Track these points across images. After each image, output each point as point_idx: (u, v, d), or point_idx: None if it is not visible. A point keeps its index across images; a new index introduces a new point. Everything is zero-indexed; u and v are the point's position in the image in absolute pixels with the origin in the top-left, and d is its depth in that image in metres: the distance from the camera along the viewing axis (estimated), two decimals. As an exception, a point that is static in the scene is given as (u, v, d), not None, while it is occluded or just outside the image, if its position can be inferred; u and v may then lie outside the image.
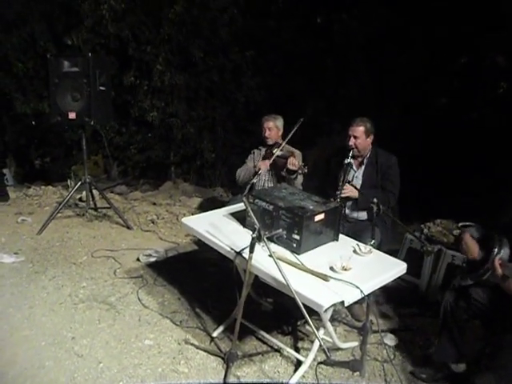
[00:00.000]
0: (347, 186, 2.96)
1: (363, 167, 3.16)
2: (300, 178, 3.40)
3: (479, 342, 2.49)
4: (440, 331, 2.35)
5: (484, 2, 4.71)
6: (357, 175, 3.16)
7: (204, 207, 4.86)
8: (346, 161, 3.00)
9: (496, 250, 2.07)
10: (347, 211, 3.10)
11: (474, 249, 2.22)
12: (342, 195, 2.88)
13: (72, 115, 3.92)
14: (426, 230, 3.53)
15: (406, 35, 5.37)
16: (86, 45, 5.86)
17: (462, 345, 2.29)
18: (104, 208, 4.50)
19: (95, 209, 4.49)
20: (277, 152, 3.30)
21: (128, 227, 4.25)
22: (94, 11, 5.75)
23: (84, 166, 4.28)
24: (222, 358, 2.40)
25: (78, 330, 2.62)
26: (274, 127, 3.57)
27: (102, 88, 3.94)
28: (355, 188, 2.98)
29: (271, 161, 3.37)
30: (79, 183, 4.21)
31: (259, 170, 3.38)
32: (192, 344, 2.55)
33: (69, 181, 5.62)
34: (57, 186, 5.59)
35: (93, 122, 3.94)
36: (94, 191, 4.45)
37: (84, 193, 4.50)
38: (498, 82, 5.25)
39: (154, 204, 5.07)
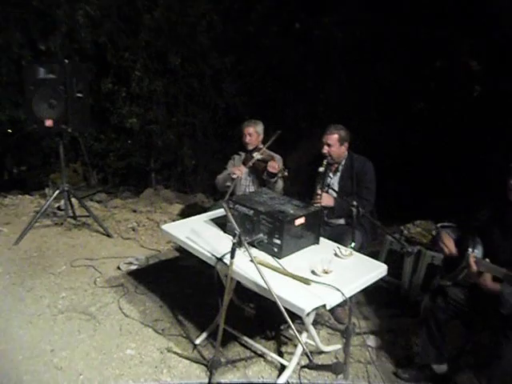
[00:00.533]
0: (324, 195, 2.98)
1: (339, 174, 3.15)
2: (281, 182, 3.42)
3: (459, 341, 2.54)
4: (421, 333, 2.38)
5: (459, 8, 4.83)
6: (333, 182, 3.15)
7: (185, 214, 4.83)
8: (321, 169, 2.98)
9: (470, 249, 2.14)
10: (325, 218, 3.11)
11: (449, 245, 2.29)
12: (317, 204, 2.88)
13: (49, 123, 3.85)
14: (405, 232, 3.58)
15: (384, 40, 5.46)
16: (62, 51, 5.77)
17: (442, 345, 2.33)
18: (83, 216, 4.43)
19: (74, 217, 4.41)
20: (257, 156, 3.31)
21: (108, 235, 4.19)
22: (69, 17, 5.68)
23: (62, 174, 4.21)
24: (206, 366, 2.39)
25: (57, 342, 2.57)
26: (254, 132, 3.58)
27: (79, 95, 3.89)
28: (334, 191, 3.01)
29: (251, 164, 3.38)
30: (57, 191, 4.13)
31: (234, 175, 3.39)
32: (175, 352, 2.52)
33: (47, 189, 5.51)
34: (34, 194, 5.49)
35: (70, 130, 3.88)
36: (73, 199, 4.38)
37: (62, 201, 4.42)
38: (472, 86, 5.38)
39: (135, 211, 5.01)
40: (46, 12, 5.76)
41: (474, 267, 2.07)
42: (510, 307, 1.99)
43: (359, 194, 3.04)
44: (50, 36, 5.77)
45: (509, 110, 4.74)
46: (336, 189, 3.10)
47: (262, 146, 3.54)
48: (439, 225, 3.50)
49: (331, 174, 3.16)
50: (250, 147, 3.60)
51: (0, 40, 5.91)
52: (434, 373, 2.36)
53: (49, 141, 6.14)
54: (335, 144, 3.03)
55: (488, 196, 2.46)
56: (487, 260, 2.08)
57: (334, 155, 3.05)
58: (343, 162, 3.15)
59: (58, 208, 4.69)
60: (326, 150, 3.03)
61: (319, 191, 2.97)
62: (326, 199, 2.99)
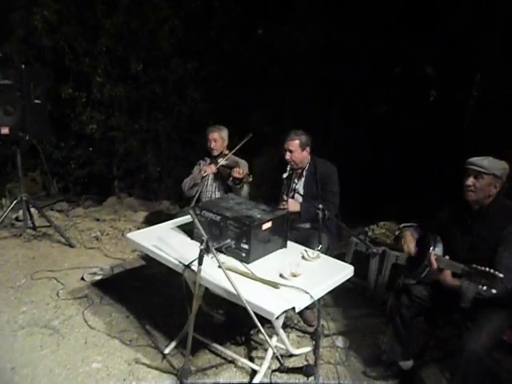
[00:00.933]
0: (290, 200, 3.02)
1: (303, 179, 3.18)
2: (246, 188, 3.42)
3: (423, 336, 2.62)
4: (387, 331, 2.44)
5: (417, 16, 5.01)
6: (297, 187, 3.18)
7: (150, 221, 4.75)
8: (285, 175, 3.03)
9: (431, 248, 2.23)
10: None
11: (409, 243, 2.39)
12: (283, 209, 2.91)
13: (5, 130, 3.71)
14: (370, 233, 3.67)
15: (345, 47, 5.60)
16: (18, 56, 5.57)
17: (408, 342, 2.40)
18: (43, 227, 4.28)
19: (34, 228, 4.25)
20: (222, 162, 3.31)
21: (70, 245, 4.07)
22: (25, 22, 5.49)
23: (20, 184, 4.06)
24: (176, 375, 2.35)
25: (17, 360, 2.46)
26: (219, 138, 3.57)
27: (37, 101, 3.78)
28: (298, 199, 3.05)
29: (217, 167, 3.38)
30: (15, 202, 3.98)
31: (205, 172, 3.37)
32: (143, 363, 2.47)
33: (3, 199, 5.28)
34: (-10, 205, 5.25)
35: (28, 137, 3.76)
36: (32, 209, 4.23)
37: (21, 212, 4.25)
38: (428, 91, 5.59)
39: (98, 220, 4.89)
40: (1, 17, 5.55)
41: (435, 264, 2.16)
42: (469, 301, 2.08)
43: (324, 198, 3.08)
44: (5, 41, 5.56)
45: (463, 113, 4.96)
46: (301, 193, 3.13)
47: (227, 152, 3.53)
48: (402, 225, 3.61)
49: (296, 179, 3.19)
50: (215, 153, 3.59)
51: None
52: (401, 369, 2.43)
53: (5, 149, 5.90)
54: (297, 149, 3.07)
55: (447, 196, 2.56)
56: (447, 257, 2.17)
57: (297, 160, 3.09)
58: (307, 167, 3.18)
59: (16, 219, 4.50)
60: (288, 156, 3.07)
61: (285, 197, 3.01)
62: (292, 205, 3.03)
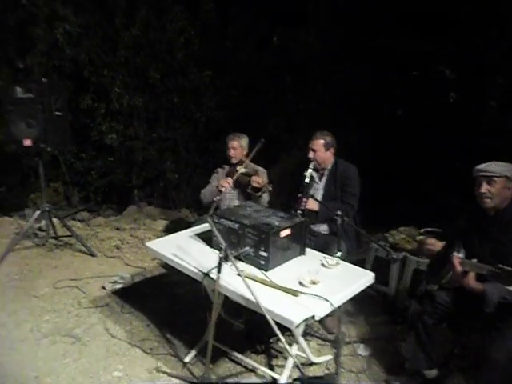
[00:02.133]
0: (310, 199, 3.01)
1: (324, 179, 3.21)
2: (266, 196, 3.41)
3: (447, 344, 2.55)
4: (409, 339, 2.39)
5: (433, 20, 4.96)
6: (318, 187, 3.21)
7: (170, 229, 4.79)
8: (306, 173, 3.06)
9: (455, 252, 2.19)
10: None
11: (435, 243, 2.36)
12: (302, 207, 2.92)
13: (27, 142, 3.80)
14: (390, 239, 3.62)
15: (361, 49, 5.57)
16: (39, 68, 5.72)
17: (431, 350, 2.34)
18: (65, 236, 4.35)
19: (56, 238, 4.33)
20: (240, 170, 3.31)
21: (91, 254, 4.12)
22: (48, 35, 5.65)
23: (42, 194, 4.14)
24: (196, 384, 2.35)
25: (41, 368, 2.49)
26: (238, 146, 3.58)
27: (58, 113, 3.86)
28: (316, 200, 3.03)
29: (235, 178, 3.37)
30: (38, 212, 4.05)
31: (222, 187, 3.37)
32: (164, 372, 2.48)
33: (26, 210, 5.40)
34: (14, 216, 5.37)
35: (49, 149, 3.84)
36: (54, 219, 4.30)
37: (43, 222, 4.34)
38: (447, 93, 5.51)
39: (118, 229, 4.95)
40: (23, 31, 5.72)
41: (459, 267, 2.11)
42: (494, 305, 2.02)
43: (343, 199, 3.09)
44: (27, 55, 5.72)
45: (483, 115, 4.87)
46: (321, 194, 3.17)
47: (245, 160, 3.53)
48: (423, 230, 3.56)
49: (317, 180, 3.22)
50: (234, 161, 3.60)
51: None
52: (425, 378, 2.37)
53: (28, 160, 6.05)
54: (320, 149, 3.12)
55: (466, 200, 2.51)
56: (474, 260, 2.11)
57: (319, 160, 3.13)
58: (329, 167, 3.20)
59: (39, 229, 4.60)
60: (311, 154, 3.12)
61: (302, 196, 3.01)
62: (311, 203, 3.04)
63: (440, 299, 2.31)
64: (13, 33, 5.87)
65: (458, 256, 2.15)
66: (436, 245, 2.39)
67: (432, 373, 2.37)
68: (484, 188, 2.14)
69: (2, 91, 3.81)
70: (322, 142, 3.12)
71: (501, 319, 2.06)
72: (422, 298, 2.38)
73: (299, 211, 2.93)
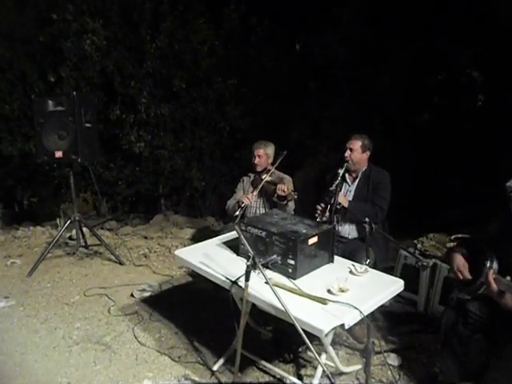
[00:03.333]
0: (340, 193, 3.05)
1: (357, 181, 3.22)
2: (292, 204, 3.40)
3: (482, 355, 2.46)
4: (443, 350, 2.31)
5: (457, 21, 4.88)
6: (350, 189, 3.23)
7: (196, 238, 4.82)
8: (339, 170, 3.10)
9: (488, 263, 2.09)
10: (337, 227, 3.12)
11: (463, 269, 2.26)
12: (331, 203, 2.93)
13: (59, 154, 3.91)
14: (419, 245, 3.55)
15: (385, 55, 5.52)
16: (71, 81, 5.91)
17: (466, 361, 2.26)
18: (95, 245, 4.44)
19: (86, 246, 4.43)
20: (266, 178, 3.32)
21: (120, 263, 4.19)
22: (77, 48, 5.84)
23: (73, 204, 4.24)
24: (224, 392, 2.34)
25: (73, 375, 2.54)
26: (263, 154, 3.59)
27: (87, 125, 3.95)
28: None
29: (259, 187, 3.38)
30: (68, 221, 4.15)
31: (242, 203, 3.38)
32: (192, 380, 2.48)
33: (58, 220, 5.56)
34: (46, 225, 5.52)
35: (80, 160, 3.93)
36: (84, 229, 4.40)
37: (74, 231, 4.44)
38: (475, 96, 5.39)
39: (146, 238, 5.02)
40: (55, 45, 5.92)
41: (494, 286, 1.99)
42: None
43: (373, 201, 3.09)
44: (59, 67, 5.92)
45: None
46: (352, 196, 3.20)
47: (270, 168, 3.53)
48: (453, 237, 3.47)
49: (350, 182, 3.25)
50: (259, 169, 3.61)
51: (12, 76, 6.08)
52: (459, 390, 2.29)
53: (59, 171, 6.23)
54: (357, 150, 3.16)
55: (496, 206, 2.42)
56: (508, 278, 1.98)
57: (355, 160, 3.17)
58: (363, 170, 3.22)
59: (70, 238, 4.72)
60: (347, 153, 3.17)
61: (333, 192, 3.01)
62: (342, 197, 3.07)
63: (474, 309, 2.22)
64: (45, 48, 6.09)
65: (492, 272, 2.03)
66: (464, 274, 2.27)
67: (466, 384, 2.29)
68: None
69: (34, 105, 3.94)
70: (360, 143, 3.17)
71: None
72: (456, 308, 2.30)
73: (328, 206, 2.93)
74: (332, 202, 2.96)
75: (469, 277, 2.24)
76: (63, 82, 5.92)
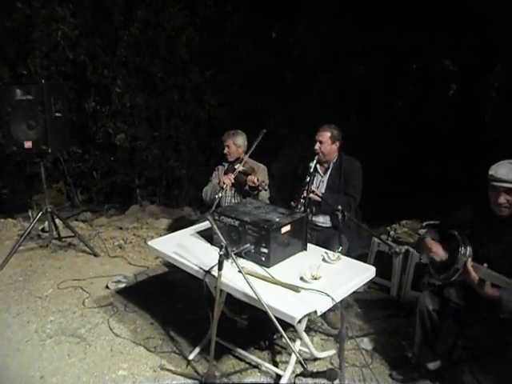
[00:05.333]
0: (313, 186, 3.04)
1: (329, 172, 3.22)
2: (264, 193, 3.38)
3: (450, 335, 2.54)
4: (416, 334, 2.35)
5: (430, 11, 4.93)
6: (323, 180, 3.23)
7: (172, 228, 4.79)
8: (311, 163, 3.06)
9: (462, 249, 2.13)
10: (311, 218, 3.15)
11: (436, 249, 2.30)
12: (304, 196, 2.92)
13: (28, 144, 3.79)
14: (392, 232, 3.61)
15: (359, 44, 5.55)
16: (41, 72, 5.72)
17: (436, 344, 2.33)
18: (68, 237, 4.35)
19: (59, 238, 4.34)
20: (238, 168, 3.31)
21: (95, 254, 4.13)
22: (47, 38, 5.65)
23: (45, 195, 4.15)
24: (200, 381, 2.35)
25: (46, 368, 2.51)
26: (232, 145, 3.56)
27: (58, 114, 3.85)
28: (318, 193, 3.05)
29: (234, 175, 3.36)
30: (40, 213, 4.06)
31: (224, 184, 3.36)
32: (168, 369, 2.48)
33: (30, 211, 5.42)
34: (17, 217, 5.38)
35: (50, 150, 3.83)
36: (57, 220, 4.31)
37: (46, 223, 4.35)
38: (448, 85, 5.49)
39: (121, 228, 4.95)
40: (23, 34, 5.71)
41: (474, 274, 2.02)
42: (510, 312, 1.96)
43: (346, 191, 3.11)
44: (28, 58, 5.72)
45: (485, 105, 4.84)
46: (325, 187, 3.19)
47: (244, 157, 3.51)
48: (425, 223, 3.55)
49: (321, 173, 3.24)
50: (230, 158, 3.59)
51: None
52: (428, 370, 2.36)
53: (32, 162, 6.07)
54: (327, 141, 3.13)
55: (469, 193, 2.47)
56: (485, 265, 2.01)
57: (325, 152, 3.14)
58: (334, 160, 3.21)
59: (43, 230, 4.61)
60: (317, 146, 3.13)
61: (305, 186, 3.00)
62: (315, 195, 3.06)
63: (449, 295, 2.26)
64: (12, 36, 5.87)
65: (470, 261, 2.06)
66: (438, 254, 2.31)
67: (435, 364, 2.36)
68: (503, 199, 2.05)
69: (1, 94, 3.80)
70: (329, 134, 3.13)
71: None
72: (429, 295, 2.32)
73: (301, 200, 2.93)
74: (305, 195, 2.96)
75: (445, 256, 2.27)
76: (32, 72, 5.72)
